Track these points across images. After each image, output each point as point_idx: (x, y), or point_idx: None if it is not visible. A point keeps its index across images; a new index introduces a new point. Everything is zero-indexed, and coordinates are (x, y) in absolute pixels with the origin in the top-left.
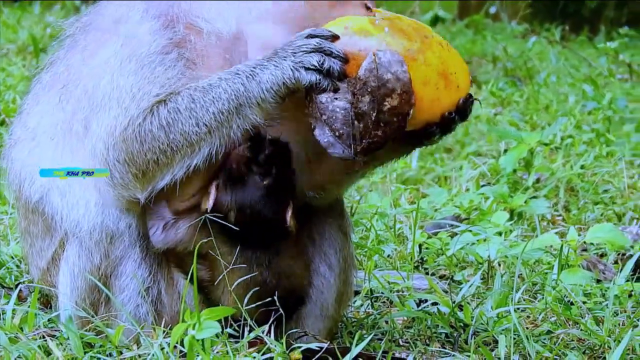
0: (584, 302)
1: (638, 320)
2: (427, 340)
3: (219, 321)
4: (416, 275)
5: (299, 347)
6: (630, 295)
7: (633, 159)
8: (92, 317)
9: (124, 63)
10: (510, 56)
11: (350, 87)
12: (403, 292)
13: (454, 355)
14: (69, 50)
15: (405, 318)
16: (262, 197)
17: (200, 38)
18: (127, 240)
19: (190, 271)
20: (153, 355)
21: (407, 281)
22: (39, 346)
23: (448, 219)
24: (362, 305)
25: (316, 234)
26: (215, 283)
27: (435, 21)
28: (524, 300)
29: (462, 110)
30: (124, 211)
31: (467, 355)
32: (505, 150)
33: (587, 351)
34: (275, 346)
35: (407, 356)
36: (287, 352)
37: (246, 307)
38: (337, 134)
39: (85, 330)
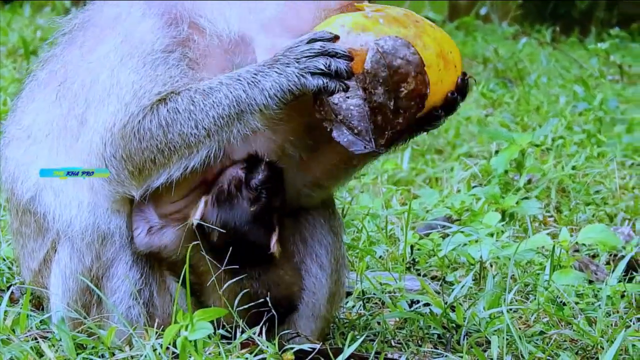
0: (577, 303)
1: (630, 320)
2: (419, 341)
3: (212, 323)
4: (408, 277)
5: (291, 348)
6: (622, 296)
7: (624, 159)
8: (84, 318)
9: (125, 59)
10: (501, 57)
11: (359, 84)
12: (395, 293)
13: (446, 356)
14: (65, 47)
15: (398, 319)
16: (247, 222)
17: (203, 38)
18: (118, 242)
19: (182, 274)
20: (145, 356)
21: (399, 282)
22: (31, 348)
23: (440, 220)
24: (354, 306)
25: (307, 235)
26: (206, 285)
27: None
28: (516, 301)
29: (462, 88)
30: (115, 212)
31: (459, 356)
32: (497, 152)
33: (579, 352)
34: (268, 347)
35: (400, 357)
36: (280, 353)
37: (237, 309)
38: (355, 131)
39: (78, 332)
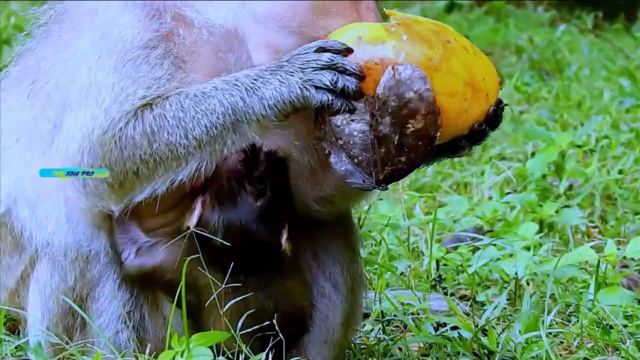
0: (625, 326)
1: None
2: None
3: (211, 348)
4: (433, 296)
5: None
6: None
7: None
8: (67, 344)
9: (104, 57)
10: (536, 47)
11: (368, 107)
12: (419, 314)
13: None
14: (40, 42)
15: (422, 344)
16: (254, 219)
17: (190, 32)
18: (103, 259)
19: (177, 293)
20: None
21: (423, 302)
22: None
23: (469, 232)
24: (372, 329)
25: (320, 250)
26: (205, 305)
27: (450, 8)
28: (557, 323)
29: (493, 119)
30: (96, 228)
31: None
32: (533, 153)
33: None
34: None
35: None
36: None
37: (241, 333)
38: (355, 160)
39: (58, 359)
